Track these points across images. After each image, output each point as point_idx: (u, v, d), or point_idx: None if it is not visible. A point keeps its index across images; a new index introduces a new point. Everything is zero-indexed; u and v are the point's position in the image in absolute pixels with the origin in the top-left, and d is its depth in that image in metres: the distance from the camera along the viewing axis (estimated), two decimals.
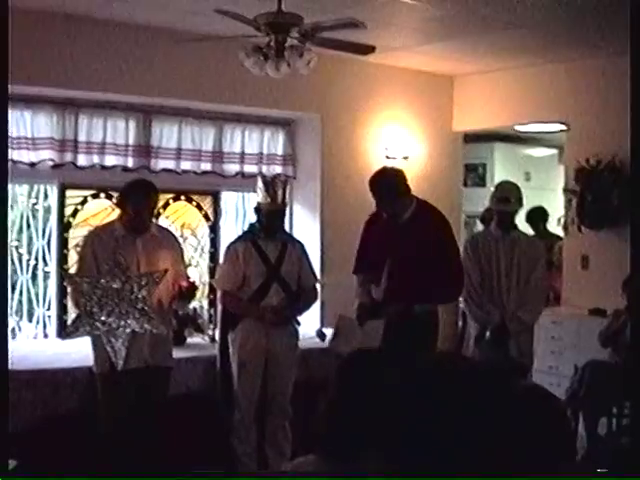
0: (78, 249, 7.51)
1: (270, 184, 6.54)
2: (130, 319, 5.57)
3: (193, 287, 6.18)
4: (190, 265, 6.39)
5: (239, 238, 6.69)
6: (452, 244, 6.39)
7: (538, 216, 9.93)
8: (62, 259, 7.73)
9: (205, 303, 8.43)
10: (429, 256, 6.10)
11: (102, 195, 7.98)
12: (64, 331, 6.08)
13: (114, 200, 7.91)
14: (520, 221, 7.69)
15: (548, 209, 10.21)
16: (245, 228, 7.26)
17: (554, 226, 9.49)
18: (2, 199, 3.38)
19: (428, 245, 6.15)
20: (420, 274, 6.08)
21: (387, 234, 6.31)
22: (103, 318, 5.53)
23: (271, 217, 6.50)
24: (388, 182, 6.25)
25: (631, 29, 3.69)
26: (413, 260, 6.12)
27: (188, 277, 6.22)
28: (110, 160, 7.87)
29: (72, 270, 6.59)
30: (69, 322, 6.69)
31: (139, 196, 5.93)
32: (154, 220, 6.31)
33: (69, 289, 6.15)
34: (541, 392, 1.90)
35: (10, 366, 5.81)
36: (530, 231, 9.44)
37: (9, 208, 7.53)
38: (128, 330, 5.58)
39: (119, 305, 5.55)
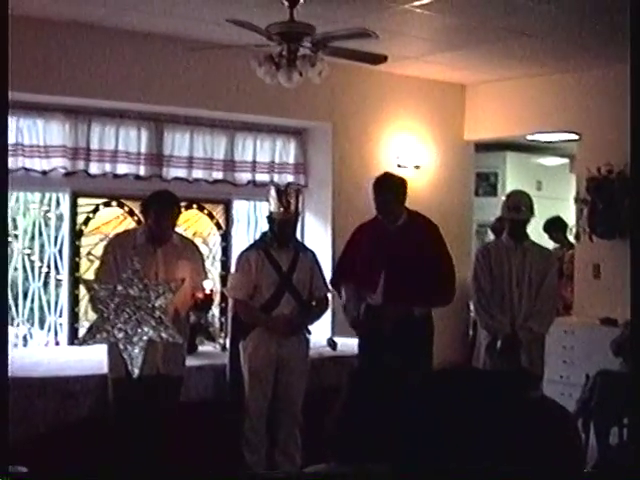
0: (91, 257, 7.57)
1: (283, 193, 6.53)
2: (147, 327, 5.58)
3: (210, 299, 6.19)
4: (207, 278, 6.39)
5: (251, 247, 6.69)
6: (444, 248, 6.62)
7: (556, 226, 9.92)
8: (74, 267, 7.75)
9: (216, 311, 8.42)
10: (424, 259, 6.39)
11: (114, 203, 8.00)
12: (80, 338, 6.09)
13: (126, 208, 7.95)
14: (535, 231, 7.68)
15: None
16: (257, 237, 7.27)
17: (566, 235, 9.48)
18: (2, 202, 3.38)
19: (422, 248, 6.44)
20: (418, 277, 6.32)
21: (382, 240, 6.52)
22: (120, 325, 5.54)
23: (283, 226, 6.50)
24: (394, 185, 6.55)
25: (631, 37, 3.68)
26: (410, 263, 6.36)
27: (204, 289, 6.21)
28: (122, 168, 7.90)
29: (90, 276, 6.60)
30: (85, 329, 6.71)
31: (161, 208, 5.95)
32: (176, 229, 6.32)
33: (88, 296, 6.15)
34: (550, 405, 1.90)
35: (21, 373, 5.87)
36: (548, 241, 9.46)
37: (22, 216, 7.57)
38: (145, 338, 5.59)
39: (136, 313, 5.56)
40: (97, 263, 6.47)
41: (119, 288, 5.54)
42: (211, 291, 6.44)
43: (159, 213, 5.93)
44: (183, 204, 8.17)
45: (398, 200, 6.50)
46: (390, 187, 6.52)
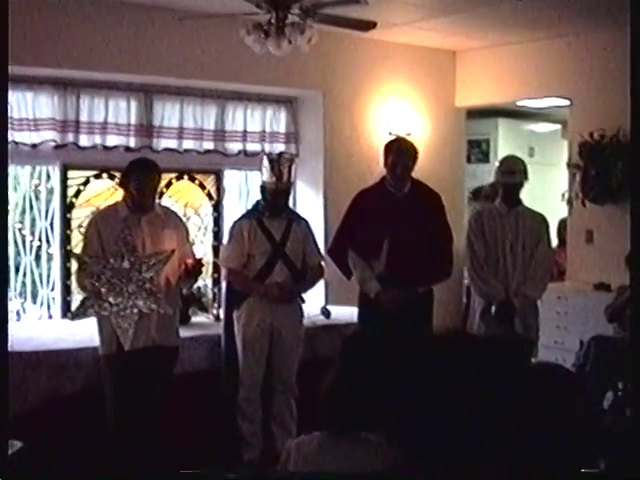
0: (82, 229, 7.53)
1: (275, 163, 6.51)
2: (138, 299, 5.56)
3: (200, 263, 6.13)
4: (194, 244, 6.35)
5: (244, 216, 6.68)
6: (445, 218, 6.63)
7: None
8: (65, 240, 7.72)
9: (209, 282, 8.44)
10: (428, 227, 6.39)
11: (104, 175, 7.96)
12: (72, 313, 6.06)
13: (116, 180, 7.91)
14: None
15: (552, 184, 10.19)
16: (249, 206, 7.25)
17: (558, 201, 9.45)
18: (2, 183, 3.36)
19: (427, 216, 6.45)
20: (421, 246, 6.31)
21: (388, 207, 6.45)
22: (111, 299, 5.51)
23: (276, 196, 6.48)
24: (411, 149, 6.53)
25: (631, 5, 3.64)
26: (414, 230, 6.33)
27: (194, 254, 6.18)
28: (112, 140, 7.86)
29: (76, 251, 6.58)
30: (76, 304, 6.69)
31: (141, 175, 5.89)
32: (157, 200, 6.27)
33: (76, 270, 6.11)
34: (553, 368, 1.89)
35: (14, 347, 5.85)
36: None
37: (12, 190, 7.53)
38: (136, 310, 5.57)
39: (127, 286, 5.54)
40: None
41: (110, 261, 5.51)
42: (200, 257, 6.40)
43: (140, 180, 5.86)
44: (174, 175, 8.20)
45: (413, 165, 6.49)
46: (408, 150, 6.50)
